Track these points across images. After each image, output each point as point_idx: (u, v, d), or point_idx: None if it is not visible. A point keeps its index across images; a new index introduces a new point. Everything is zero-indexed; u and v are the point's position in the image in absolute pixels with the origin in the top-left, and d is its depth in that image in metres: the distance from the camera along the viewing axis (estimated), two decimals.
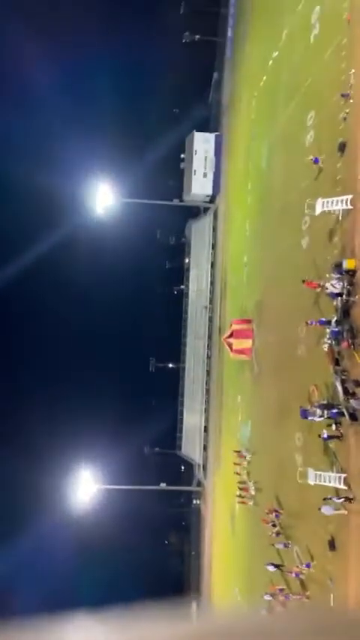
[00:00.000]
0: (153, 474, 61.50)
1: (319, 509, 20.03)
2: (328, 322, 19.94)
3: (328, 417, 19.88)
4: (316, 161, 23.19)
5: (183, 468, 62.45)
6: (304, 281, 22.56)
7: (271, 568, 25.28)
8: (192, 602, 57.67)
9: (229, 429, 43.18)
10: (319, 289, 21.61)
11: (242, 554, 36.28)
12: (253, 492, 32.74)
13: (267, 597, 25.62)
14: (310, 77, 25.91)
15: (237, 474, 36.29)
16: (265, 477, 30.46)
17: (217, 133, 57.04)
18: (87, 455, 57.66)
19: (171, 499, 65.01)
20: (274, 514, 26.24)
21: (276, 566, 25.12)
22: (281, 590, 24.24)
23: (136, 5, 60.10)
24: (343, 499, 18.48)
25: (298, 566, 22.25)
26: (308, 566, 21.18)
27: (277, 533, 25.56)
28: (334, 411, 19.49)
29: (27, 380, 64.48)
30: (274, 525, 26.16)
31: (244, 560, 35.62)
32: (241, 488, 34.43)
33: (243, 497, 34.05)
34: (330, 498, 19.17)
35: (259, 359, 34.52)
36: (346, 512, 18.93)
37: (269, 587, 25.63)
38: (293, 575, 22.48)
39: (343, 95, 21.11)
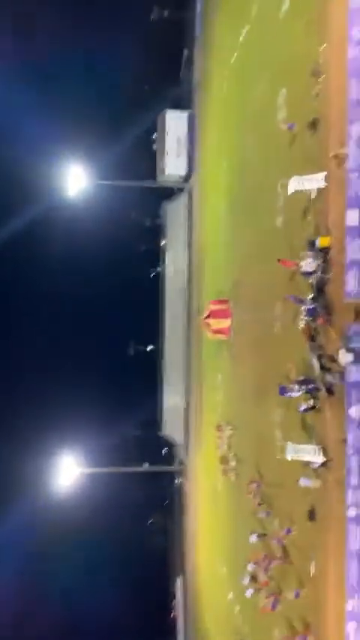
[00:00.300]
0: (135, 455, 62.05)
1: (297, 481, 20.66)
2: (302, 301, 20.24)
3: (306, 392, 20.33)
4: (290, 127, 23.02)
5: (166, 449, 63.16)
6: (279, 260, 22.78)
7: (254, 538, 25.99)
8: (177, 578, 59.03)
9: (209, 408, 43.72)
10: (294, 267, 21.85)
11: (226, 528, 37.14)
12: (233, 464, 33.42)
13: (250, 566, 26.37)
14: (281, 53, 25.74)
15: (217, 448, 36.97)
16: (246, 449, 31.08)
17: (189, 111, 56.33)
18: (68, 438, 57.76)
19: (154, 479, 65.81)
20: (255, 485, 26.83)
21: (259, 535, 25.83)
22: (265, 556, 24.96)
23: None
24: (319, 465, 19.07)
25: (279, 532, 22.89)
26: (289, 531, 21.81)
27: (259, 504, 26.19)
28: (311, 386, 19.96)
29: (3, 365, 63.76)
30: (255, 497, 26.80)
31: (228, 534, 36.49)
32: (222, 463, 35.11)
33: (225, 470, 34.75)
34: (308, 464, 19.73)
35: (237, 338, 34.88)
36: (319, 483, 19.61)
37: (252, 555, 26.37)
38: (275, 542, 23.15)
39: (314, 72, 21.05)
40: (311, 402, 20.16)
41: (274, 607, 22.99)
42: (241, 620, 30.54)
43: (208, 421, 43.80)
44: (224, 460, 34.93)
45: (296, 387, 20.73)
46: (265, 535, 25.52)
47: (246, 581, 26.99)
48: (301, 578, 20.97)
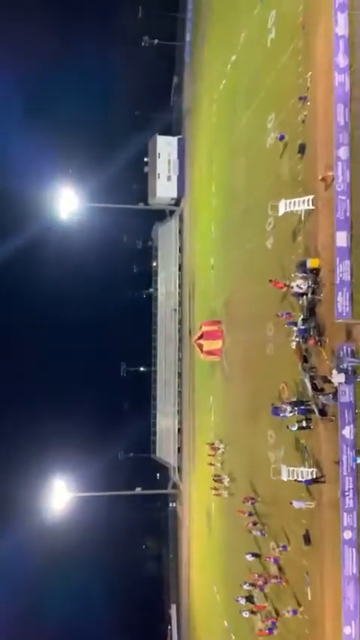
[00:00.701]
0: (128, 478, 61.19)
1: (291, 502, 20.47)
2: (295, 323, 20.35)
3: (299, 414, 20.27)
4: (281, 138, 23.40)
5: (159, 475, 62.46)
6: (270, 281, 22.96)
7: (249, 557, 25.58)
8: (171, 604, 57.71)
9: (202, 430, 43.35)
10: (285, 289, 22.03)
11: (220, 551, 36.49)
12: (227, 484, 33.11)
13: (246, 587, 25.93)
14: (268, 80, 26.37)
15: (211, 464, 36.77)
16: (239, 468, 30.78)
17: (179, 137, 57.35)
18: (60, 463, 56.90)
19: (147, 503, 64.78)
20: (250, 502, 26.53)
21: (254, 555, 25.38)
22: (259, 576, 24.50)
23: (95, 10, 59.85)
24: (315, 481, 18.93)
25: (274, 549, 22.46)
26: (285, 548, 21.44)
27: (254, 523, 25.80)
28: (302, 407, 19.94)
29: None
30: (250, 514, 26.37)
31: (221, 557, 35.83)
32: (215, 481, 34.84)
33: (218, 489, 34.45)
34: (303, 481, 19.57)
35: (230, 359, 34.84)
36: (313, 505, 19.45)
37: (248, 575, 25.87)
38: (272, 560, 22.73)
39: (300, 98, 21.58)
40: (304, 423, 20.10)
41: (271, 631, 22.48)
42: None
43: (201, 443, 43.40)
44: (218, 478, 34.64)
45: (289, 407, 20.68)
46: (259, 555, 25.14)
47: (242, 601, 26.48)
48: (297, 597, 20.58)
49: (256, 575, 24.84)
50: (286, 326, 21.19)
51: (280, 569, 22.50)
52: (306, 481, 19.36)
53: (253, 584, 25.23)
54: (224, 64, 36.41)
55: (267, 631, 22.72)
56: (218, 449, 35.81)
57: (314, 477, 19.13)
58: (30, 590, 59.05)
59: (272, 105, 25.60)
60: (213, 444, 37.00)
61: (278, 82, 24.94)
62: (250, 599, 26.18)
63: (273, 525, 23.93)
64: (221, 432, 36.46)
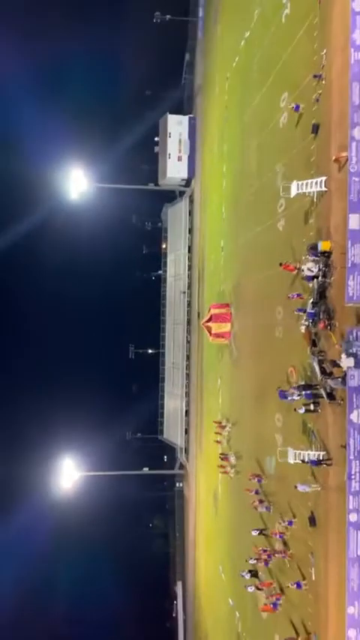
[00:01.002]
0: (135, 459, 61.94)
1: (296, 486, 20.59)
2: (304, 310, 20.18)
3: (304, 398, 20.27)
4: (296, 108, 22.69)
5: (166, 458, 63.10)
6: (281, 264, 22.74)
7: (255, 533, 25.89)
8: (177, 582, 58.83)
9: (210, 412, 43.58)
10: (295, 272, 21.82)
11: (225, 532, 36.97)
12: (234, 461, 33.34)
13: (252, 562, 26.30)
14: (282, 58, 25.75)
15: (217, 442, 37.11)
16: (246, 447, 30.99)
17: (190, 116, 56.49)
18: (69, 442, 57.74)
19: (154, 483, 65.67)
20: (256, 479, 26.73)
21: (260, 531, 25.66)
22: (264, 550, 24.80)
23: None
24: (323, 464, 19.00)
25: (280, 523, 22.60)
26: (290, 523, 21.62)
27: (260, 500, 26.03)
28: (308, 392, 19.93)
29: (7, 370, 63.86)
30: (257, 493, 26.57)
31: (227, 537, 36.32)
32: (222, 459, 35.21)
33: (224, 466, 34.90)
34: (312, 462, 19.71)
35: (238, 342, 34.80)
36: (318, 489, 19.54)
37: (253, 551, 26.18)
38: (277, 536, 22.96)
39: (315, 76, 21.06)
40: (311, 407, 20.10)
41: (275, 607, 22.80)
42: (241, 627, 30.36)
43: (208, 425, 43.68)
44: (224, 457, 34.96)
45: (296, 391, 20.68)
46: (265, 530, 25.41)
47: (247, 576, 26.90)
48: (302, 570, 20.83)
49: (261, 550, 25.15)
50: (295, 312, 21.01)
51: (285, 544, 22.73)
52: (312, 462, 19.43)
53: (258, 559, 25.53)
54: (237, 41, 35.61)
55: (271, 606, 23.04)
56: (225, 427, 36.08)
57: (320, 459, 19.18)
58: (38, 567, 60.50)
59: (286, 83, 25.03)
60: (220, 422, 37.30)
61: (292, 60, 24.35)
62: (255, 574, 26.59)
63: (279, 501, 24.07)
64: (229, 415, 36.65)
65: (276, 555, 23.32)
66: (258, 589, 25.85)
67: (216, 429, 37.80)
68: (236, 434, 34.24)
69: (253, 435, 29.72)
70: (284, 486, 23.11)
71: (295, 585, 20.56)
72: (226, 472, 34.69)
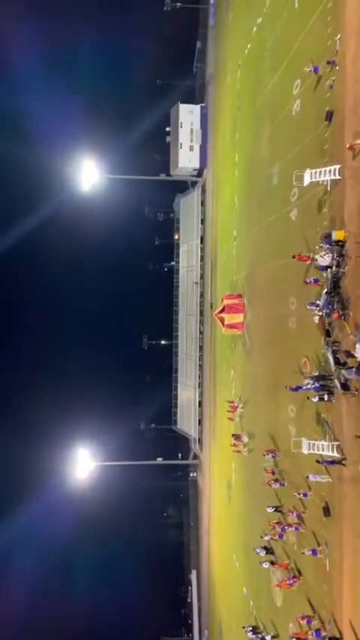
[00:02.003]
0: (150, 449, 62.36)
1: (307, 477, 20.54)
2: (316, 304, 20.00)
3: (320, 390, 20.19)
4: (315, 70, 21.81)
5: (180, 455, 63.48)
6: (294, 256, 22.45)
7: (270, 510, 25.87)
8: (192, 570, 59.36)
9: (223, 403, 43.63)
10: (309, 262, 21.62)
11: (239, 520, 37.16)
12: (246, 440, 33.82)
13: (266, 538, 26.47)
14: (295, 44, 25.35)
15: (229, 419, 37.71)
16: (259, 425, 31.03)
17: (202, 104, 55.96)
18: (84, 432, 58.30)
19: (168, 473, 66.10)
20: (270, 455, 26.85)
21: (275, 508, 25.70)
22: (278, 522, 24.87)
23: None
24: (336, 463, 18.93)
25: (295, 495, 22.52)
26: (305, 495, 21.60)
27: (275, 480, 26.03)
28: (317, 385, 19.86)
29: (22, 361, 64.56)
30: (273, 473, 26.51)
31: (241, 526, 36.51)
32: (235, 439, 35.72)
33: (237, 445, 35.35)
34: (322, 463, 19.64)
35: (251, 333, 34.70)
36: (330, 480, 19.49)
37: (267, 523, 26.24)
38: (293, 515, 22.98)
39: (329, 62, 20.71)
40: (325, 397, 20.02)
41: (291, 582, 22.90)
42: (255, 615, 30.59)
43: (221, 415, 43.77)
44: (237, 437, 35.38)
45: (310, 381, 20.61)
46: (281, 507, 25.41)
47: (262, 553, 27.08)
48: (317, 538, 20.82)
49: (275, 522, 25.21)
50: (307, 307, 20.84)
51: (300, 518, 22.72)
52: (327, 462, 19.35)
53: (272, 534, 25.62)
54: (249, 27, 35.10)
55: (287, 582, 23.18)
56: (237, 407, 36.76)
57: (334, 452, 19.11)
58: (55, 555, 61.48)
59: (299, 70, 24.66)
60: (232, 401, 37.85)
61: (306, 46, 23.95)
62: (270, 551, 26.73)
63: (294, 476, 23.92)
64: (243, 414, 36.63)
65: (290, 528, 23.29)
66: (272, 564, 26.02)
67: (228, 408, 38.21)
68: (248, 416, 34.33)
69: (265, 424, 29.71)
70: (299, 462, 22.93)
71: (311, 552, 20.61)
72: (239, 451, 35.04)
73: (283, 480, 25.38)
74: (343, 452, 18.83)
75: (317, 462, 19.98)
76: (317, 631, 19.75)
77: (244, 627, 30.16)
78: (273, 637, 26.22)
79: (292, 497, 23.38)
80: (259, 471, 29.25)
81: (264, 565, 26.60)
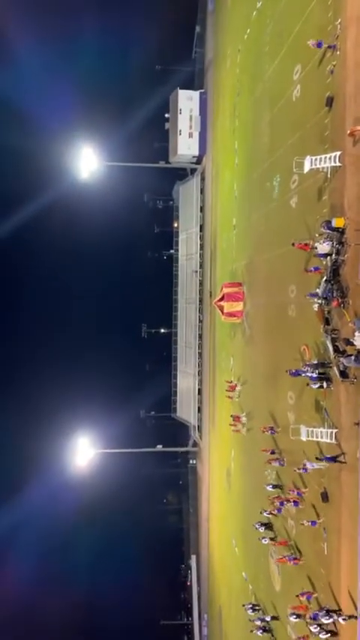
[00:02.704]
0: (149, 436, 62.74)
1: (304, 465, 20.87)
2: (316, 295, 19.97)
3: (318, 379, 20.27)
4: (319, 45, 20.95)
5: (180, 452, 63.85)
6: (293, 244, 22.39)
7: (270, 488, 26.09)
8: (191, 555, 59.99)
9: (222, 391, 43.80)
10: (309, 250, 21.57)
11: (238, 506, 37.50)
12: (244, 420, 34.25)
13: (265, 514, 26.77)
14: (295, 28, 25.03)
15: (229, 397, 38.29)
16: (258, 403, 31.22)
17: (201, 90, 55.38)
18: (84, 420, 58.57)
19: (168, 460, 66.55)
20: (269, 431, 27.06)
21: (274, 486, 25.95)
22: (277, 497, 25.11)
23: None
24: (334, 460, 19.07)
25: (295, 470, 22.67)
26: (305, 470, 21.75)
27: (276, 459, 26.21)
28: (315, 376, 19.93)
29: (22, 349, 64.65)
30: (272, 452, 26.68)
31: (240, 511, 36.86)
32: (234, 419, 36.20)
33: (235, 425, 35.86)
34: (322, 459, 19.81)
35: (251, 321, 34.73)
36: (325, 466, 19.73)
37: (266, 500, 26.43)
38: (294, 492, 23.12)
39: (329, 47, 20.48)
40: (324, 384, 20.11)
41: (292, 561, 23.13)
42: (254, 600, 31.01)
43: (221, 403, 43.97)
44: (236, 417, 35.81)
45: (309, 369, 20.68)
46: (280, 486, 25.61)
47: (261, 529, 27.40)
48: (317, 510, 21.01)
49: (275, 497, 25.42)
50: (307, 297, 20.81)
51: (300, 496, 22.93)
52: (326, 459, 19.49)
53: (272, 510, 25.87)
54: (249, 12, 34.64)
55: (286, 559, 23.47)
56: (235, 387, 37.20)
57: (332, 440, 19.25)
58: (56, 541, 62.07)
59: (299, 55, 24.38)
60: (231, 381, 38.24)
61: (306, 30, 23.64)
62: (269, 526, 27.04)
63: (294, 455, 24.04)
64: (241, 393, 36.83)
65: (289, 503, 23.48)
66: (273, 540, 26.32)
67: (227, 388, 38.72)
68: (247, 396, 34.57)
69: (264, 404, 29.85)
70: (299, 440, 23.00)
71: (310, 523, 20.87)
72: (238, 430, 35.41)
73: (283, 460, 25.54)
74: (340, 446, 18.96)
75: (317, 458, 20.13)
76: (315, 614, 20.05)
77: (243, 605, 30.53)
78: (273, 617, 26.57)
79: (292, 474, 23.52)
80: (257, 456, 29.48)
81: (263, 541, 26.89)
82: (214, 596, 48.12)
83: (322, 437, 19.91)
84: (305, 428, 21.10)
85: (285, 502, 24.15)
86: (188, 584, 61.20)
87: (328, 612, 18.70)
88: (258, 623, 27.57)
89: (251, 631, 28.27)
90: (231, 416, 36.97)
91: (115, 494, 61.79)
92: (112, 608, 61.29)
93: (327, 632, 18.79)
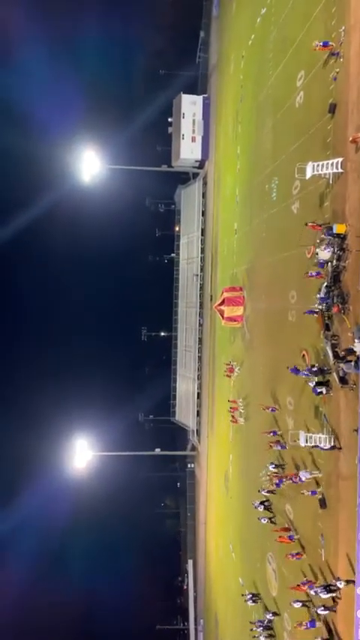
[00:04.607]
0: (148, 440, 62.64)
1: (297, 474, 20.84)
2: (314, 312, 19.84)
3: (317, 384, 20.27)
4: (325, 45, 20.63)
5: (178, 460, 63.68)
6: (306, 224, 21.55)
7: (272, 467, 25.84)
8: (188, 559, 59.79)
9: (222, 395, 43.78)
10: (320, 230, 20.99)
11: (236, 511, 37.41)
12: (241, 404, 34.48)
13: (263, 492, 26.66)
14: (299, 35, 25.16)
15: (227, 376, 38.76)
16: (256, 386, 31.18)
17: (204, 95, 55.62)
18: (83, 423, 58.53)
19: (166, 464, 66.44)
20: (270, 410, 26.95)
21: (276, 465, 25.72)
22: (276, 474, 24.93)
23: None
24: (331, 447, 19.12)
25: (294, 441, 22.43)
26: (302, 481, 21.54)
27: (277, 441, 26.03)
28: (316, 388, 19.95)
29: (22, 351, 64.64)
30: (274, 434, 26.44)
31: (238, 516, 36.77)
32: (231, 406, 36.47)
33: (233, 410, 36.03)
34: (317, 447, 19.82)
35: (251, 326, 34.75)
36: (320, 475, 19.62)
37: (265, 476, 26.33)
38: (297, 479, 22.97)
39: (333, 54, 20.57)
40: (324, 390, 20.10)
41: (291, 538, 23.02)
42: (250, 606, 30.90)
43: (220, 407, 43.92)
44: (233, 407, 35.95)
45: (310, 375, 20.69)
46: (283, 465, 25.34)
47: (260, 508, 27.30)
48: (318, 481, 20.92)
49: (274, 474, 25.23)
50: (305, 314, 20.79)
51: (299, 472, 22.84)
52: (321, 448, 19.52)
53: (270, 485, 25.74)
54: (253, 18, 34.82)
55: (287, 538, 23.35)
56: (234, 369, 37.57)
57: (332, 444, 19.26)
58: (53, 543, 61.90)
59: (302, 61, 24.50)
60: (229, 362, 38.63)
61: (310, 37, 23.75)
62: (267, 507, 26.97)
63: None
64: (242, 411, 36.77)
65: (287, 480, 23.33)
66: (271, 521, 26.20)
67: (225, 369, 39.24)
68: (244, 381, 34.52)
69: (264, 421, 29.84)
70: (300, 421, 22.89)
71: (310, 493, 20.79)
72: (236, 421, 35.48)
73: (284, 442, 25.36)
74: (339, 442, 18.96)
75: (315, 447, 20.09)
76: (312, 622, 19.98)
77: (243, 595, 30.25)
78: (274, 614, 26.16)
79: (294, 457, 23.38)
80: (256, 460, 29.44)
81: (262, 521, 26.74)
82: (211, 602, 47.94)
83: (320, 442, 19.90)
84: (304, 433, 21.08)
85: (284, 479, 23.99)
86: (185, 588, 61.01)
87: (327, 587, 18.70)
88: (260, 630, 27.16)
89: (253, 637, 27.90)
90: (229, 401, 37.26)
91: (112, 497, 61.67)
92: (108, 611, 61.06)
93: (328, 591, 18.73)
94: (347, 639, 18.03)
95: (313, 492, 20.66)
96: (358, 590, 17.09)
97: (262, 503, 27.32)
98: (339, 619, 18.76)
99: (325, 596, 18.61)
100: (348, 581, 17.73)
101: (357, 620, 17.04)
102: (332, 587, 18.60)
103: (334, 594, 18.59)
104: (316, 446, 19.94)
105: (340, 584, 17.98)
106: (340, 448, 18.90)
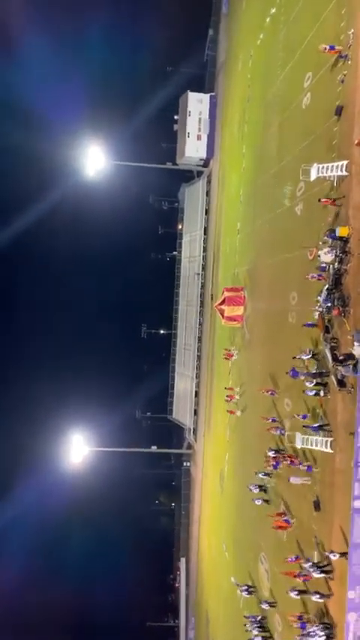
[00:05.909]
0: (144, 437, 62.69)
1: (289, 479, 20.92)
2: (312, 325, 19.91)
3: (316, 385, 20.29)
4: (331, 48, 20.57)
5: (173, 459, 63.77)
6: (319, 200, 21.18)
7: (271, 453, 25.72)
8: (181, 557, 59.89)
9: (219, 394, 43.78)
10: (334, 205, 20.87)
11: (231, 510, 37.45)
12: (237, 397, 34.75)
13: (260, 475, 26.73)
14: (308, 36, 25.08)
15: (226, 359, 39.10)
16: (253, 374, 31.19)
17: (211, 94, 55.46)
18: (79, 418, 58.54)
19: (162, 461, 66.50)
20: (269, 393, 26.87)
21: (275, 451, 25.64)
22: (274, 457, 24.87)
23: None
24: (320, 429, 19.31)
25: (294, 417, 22.54)
26: (305, 417, 21.63)
27: (276, 427, 25.94)
28: (311, 384, 19.99)
29: (22, 346, 64.66)
30: (274, 420, 26.34)
31: (232, 515, 36.81)
32: (228, 396, 36.76)
33: (230, 401, 36.25)
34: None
35: (251, 326, 34.73)
36: (309, 482, 19.80)
37: (263, 460, 26.36)
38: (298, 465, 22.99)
39: (341, 56, 20.52)
40: (321, 393, 20.12)
41: (288, 522, 23.03)
42: (242, 604, 30.95)
43: (217, 407, 43.93)
44: (230, 395, 36.19)
45: (309, 378, 20.70)
46: (283, 450, 25.22)
47: (255, 490, 27.31)
48: (316, 459, 20.98)
49: (272, 457, 25.12)
50: (304, 327, 20.81)
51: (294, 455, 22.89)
52: (313, 427, 19.77)
53: (267, 466, 25.83)
54: (262, 17, 34.70)
55: (284, 521, 23.30)
56: (232, 355, 37.78)
57: (322, 423, 19.34)
58: (45, 539, 61.93)
59: (310, 63, 24.43)
60: (229, 349, 38.76)
61: (318, 39, 23.68)
62: (264, 489, 27.05)
63: (295, 421, 23.59)
64: (238, 399, 36.80)
65: (285, 461, 23.37)
66: (266, 502, 26.28)
67: (224, 354, 39.44)
68: (245, 418, 34.50)
69: (261, 421, 29.83)
70: (299, 404, 22.87)
71: (306, 468, 20.88)
72: (233, 412, 35.66)
73: (283, 428, 25.34)
74: (335, 446, 18.99)
75: (304, 426, 20.08)
76: (303, 624, 20.01)
77: (238, 585, 30.17)
78: (270, 604, 26.04)
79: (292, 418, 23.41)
80: (252, 460, 29.44)
81: (256, 502, 26.77)
82: (202, 600, 48.02)
83: (317, 445, 19.92)
84: (301, 435, 21.11)
85: (281, 461, 24.01)
86: (177, 586, 61.15)
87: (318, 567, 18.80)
88: (254, 631, 27.09)
89: (246, 632, 27.77)
90: (226, 388, 37.53)
91: (107, 493, 61.75)
92: (99, 607, 61.16)
93: (321, 571, 18.72)
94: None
95: (309, 469, 20.75)
96: (350, 594, 17.14)
97: (259, 486, 27.39)
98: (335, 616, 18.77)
99: (317, 575, 18.65)
100: (342, 554, 17.67)
101: (347, 623, 17.07)
102: (326, 569, 18.58)
103: (327, 575, 18.55)
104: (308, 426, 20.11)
105: (335, 557, 17.89)
106: (330, 427, 19.00)
